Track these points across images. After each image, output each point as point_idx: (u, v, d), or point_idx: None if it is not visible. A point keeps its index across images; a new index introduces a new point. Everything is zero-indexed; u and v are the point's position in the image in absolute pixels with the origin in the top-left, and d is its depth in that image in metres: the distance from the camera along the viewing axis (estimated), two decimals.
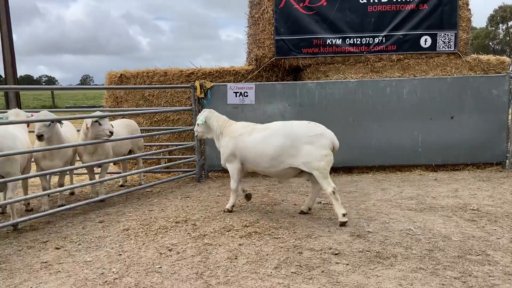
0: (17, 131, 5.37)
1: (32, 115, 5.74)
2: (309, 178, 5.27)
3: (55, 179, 6.99)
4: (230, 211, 5.52)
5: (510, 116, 7.78)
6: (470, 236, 4.49)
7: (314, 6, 8.18)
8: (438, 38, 8.19)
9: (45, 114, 5.40)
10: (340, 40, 8.26)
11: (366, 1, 8.15)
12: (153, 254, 4.20)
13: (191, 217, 5.35)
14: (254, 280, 3.56)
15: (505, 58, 8.44)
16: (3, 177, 4.90)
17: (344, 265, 3.80)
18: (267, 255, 4.07)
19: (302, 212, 5.41)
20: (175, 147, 8.04)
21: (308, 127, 5.11)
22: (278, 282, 3.52)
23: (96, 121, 5.80)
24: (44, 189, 5.79)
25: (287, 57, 8.37)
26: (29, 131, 6.01)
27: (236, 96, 7.73)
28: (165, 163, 8.13)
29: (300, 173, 5.18)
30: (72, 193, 6.92)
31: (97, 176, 6.46)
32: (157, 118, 8.61)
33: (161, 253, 4.20)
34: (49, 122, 5.34)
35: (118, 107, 8.56)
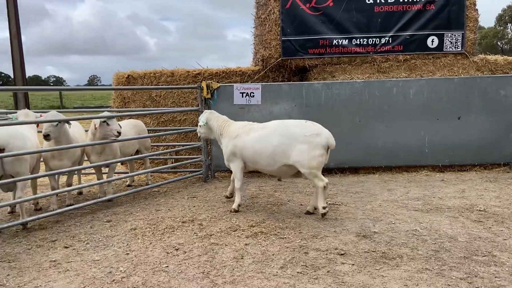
0: (27, 131, 5.45)
1: (41, 116, 5.81)
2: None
3: (63, 179, 7.06)
4: (236, 211, 5.55)
5: None
6: (477, 237, 4.48)
7: (321, 6, 8.18)
8: (445, 39, 8.16)
9: (53, 114, 5.47)
10: (347, 40, 8.25)
11: (372, 2, 8.13)
12: (160, 253, 4.24)
13: (198, 217, 5.39)
14: (260, 279, 3.59)
15: None
16: (13, 177, 4.97)
17: (350, 266, 3.82)
18: (273, 255, 4.09)
19: (308, 213, 5.42)
20: (181, 147, 8.09)
21: (304, 126, 5.15)
22: (284, 282, 3.53)
23: (104, 121, 5.86)
24: (52, 189, 5.85)
25: (293, 57, 8.38)
26: (38, 131, 6.08)
27: (242, 96, 7.75)
28: (172, 163, 8.17)
29: (298, 171, 5.23)
30: (80, 193, 6.99)
31: (104, 176, 6.51)
32: (164, 118, 8.67)
33: (168, 253, 4.24)
34: (57, 122, 5.41)
35: (126, 108, 8.63)
